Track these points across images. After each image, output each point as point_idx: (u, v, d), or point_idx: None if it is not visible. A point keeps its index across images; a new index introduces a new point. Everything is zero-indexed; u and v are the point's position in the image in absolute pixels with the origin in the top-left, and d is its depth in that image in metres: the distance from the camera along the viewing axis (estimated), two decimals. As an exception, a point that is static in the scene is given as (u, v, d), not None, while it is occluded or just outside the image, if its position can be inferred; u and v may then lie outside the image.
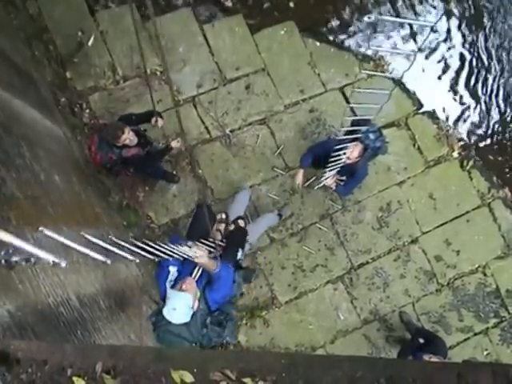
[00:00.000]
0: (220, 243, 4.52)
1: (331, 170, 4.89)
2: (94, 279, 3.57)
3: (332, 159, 4.56)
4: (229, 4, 6.65)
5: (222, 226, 4.85)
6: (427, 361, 4.68)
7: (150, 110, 5.40)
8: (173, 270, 3.85)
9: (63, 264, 1.90)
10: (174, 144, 5.34)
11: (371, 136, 4.56)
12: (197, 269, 3.84)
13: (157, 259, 3.09)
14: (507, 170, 6.81)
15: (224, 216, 4.87)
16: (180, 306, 3.46)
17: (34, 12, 6.13)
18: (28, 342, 1.70)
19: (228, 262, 4.16)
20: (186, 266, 3.86)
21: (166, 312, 3.46)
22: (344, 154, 4.61)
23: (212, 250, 4.14)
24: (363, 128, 4.42)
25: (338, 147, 4.46)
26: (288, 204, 6.35)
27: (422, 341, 5.53)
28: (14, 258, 1.78)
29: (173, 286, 3.70)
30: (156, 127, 5.42)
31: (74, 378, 1.42)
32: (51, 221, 3.10)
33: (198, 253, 3.54)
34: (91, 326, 3.01)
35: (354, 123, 4.61)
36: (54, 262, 1.90)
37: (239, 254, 4.56)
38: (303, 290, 6.29)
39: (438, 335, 5.85)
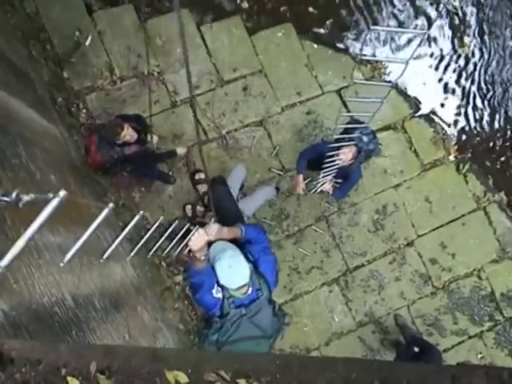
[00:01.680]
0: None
1: (327, 175, 4.89)
2: (89, 279, 3.56)
3: (327, 164, 4.56)
4: (245, 5, 6.66)
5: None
6: (422, 363, 4.70)
7: (138, 114, 5.47)
8: (216, 290, 3.44)
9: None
10: (180, 151, 5.42)
11: (364, 138, 4.55)
12: None
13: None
14: (503, 173, 6.83)
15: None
16: (232, 261, 3.30)
17: (32, 11, 6.12)
18: (22, 342, 1.70)
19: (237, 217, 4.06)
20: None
21: (224, 280, 3.29)
22: (338, 157, 4.61)
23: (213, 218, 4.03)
24: (356, 131, 4.42)
25: (331, 151, 4.46)
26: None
27: (416, 349, 5.55)
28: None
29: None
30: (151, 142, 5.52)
31: (69, 378, 1.42)
32: (46, 220, 3.10)
33: (211, 227, 3.39)
34: (86, 326, 3.00)
35: (347, 127, 4.61)
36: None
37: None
38: (298, 291, 6.30)
39: (432, 344, 5.86)
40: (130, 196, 6.07)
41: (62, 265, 2.03)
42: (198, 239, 3.19)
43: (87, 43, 6.21)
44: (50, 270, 2.75)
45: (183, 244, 3.62)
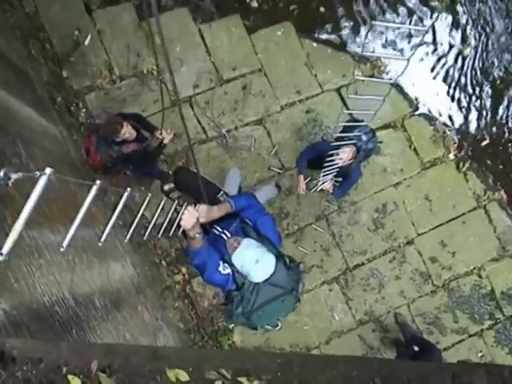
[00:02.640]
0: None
1: (327, 174, 4.89)
2: (90, 278, 3.56)
3: (327, 163, 4.56)
4: (254, 4, 6.66)
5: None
6: (422, 361, 4.69)
7: (137, 113, 5.46)
8: (222, 266, 3.41)
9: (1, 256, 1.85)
10: (166, 139, 5.33)
11: (364, 137, 4.55)
12: (223, 233, 3.64)
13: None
14: (503, 172, 6.82)
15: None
16: (257, 253, 3.25)
17: (31, 10, 6.12)
18: (23, 341, 1.70)
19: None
20: (217, 243, 3.57)
21: (254, 275, 3.23)
22: (338, 157, 4.60)
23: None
24: (356, 130, 4.41)
25: (331, 150, 4.46)
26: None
27: (416, 348, 5.54)
28: None
29: (227, 258, 3.38)
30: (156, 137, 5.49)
31: (70, 377, 1.42)
32: (46, 219, 3.10)
33: (200, 209, 3.35)
34: (86, 325, 3.00)
35: (346, 126, 4.61)
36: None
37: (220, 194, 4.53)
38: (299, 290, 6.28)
39: (432, 343, 5.87)
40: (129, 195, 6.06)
41: (62, 249, 2.03)
42: (188, 217, 3.17)
43: (86, 42, 6.21)
44: (51, 270, 2.76)
45: (175, 224, 3.60)
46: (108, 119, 5.21)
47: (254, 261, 3.21)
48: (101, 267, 3.93)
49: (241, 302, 3.33)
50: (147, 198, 3.27)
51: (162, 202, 3.61)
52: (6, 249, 1.72)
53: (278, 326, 3.61)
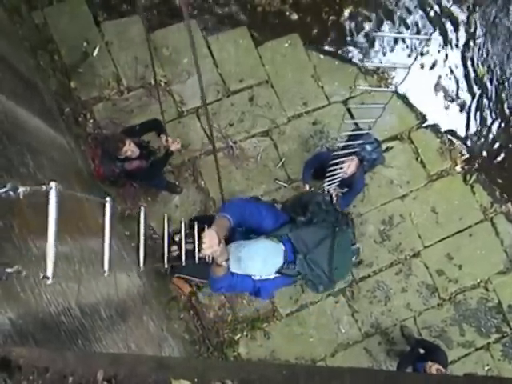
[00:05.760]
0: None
1: (330, 184, 4.89)
2: (96, 288, 3.56)
3: (330, 174, 4.56)
4: (294, 17, 6.71)
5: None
6: (429, 373, 4.65)
7: (152, 119, 5.41)
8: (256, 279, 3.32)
9: (49, 279, 1.88)
10: (174, 147, 5.27)
11: (368, 148, 4.56)
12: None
13: None
14: (510, 184, 6.80)
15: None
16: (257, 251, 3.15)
17: (40, 22, 6.19)
18: (29, 349, 1.70)
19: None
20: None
21: (252, 269, 3.15)
22: (341, 168, 4.60)
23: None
24: (360, 140, 4.42)
25: (334, 161, 4.46)
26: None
27: (421, 351, 5.51)
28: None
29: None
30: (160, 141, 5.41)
31: (75, 386, 1.42)
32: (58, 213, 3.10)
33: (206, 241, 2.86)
34: (92, 335, 3.00)
35: (350, 136, 4.62)
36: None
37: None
38: (304, 302, 6.27)
39: (437, 345, 5.83)
40: (136, 206, 6.08)
41: (106, 275, 2.04)
42: (210, 238, 2.83)
43: (95, 54, 6.26)
44: (57, 279, 2.76)
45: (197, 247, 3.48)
46: (112, 136, 5.19)
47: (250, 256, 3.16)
48: (106, 277, 3.92)
49: (313, 282, 3.34)
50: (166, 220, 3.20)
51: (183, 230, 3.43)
52: (49, 272, 1.74)
53: (357, 247, 3.81)
